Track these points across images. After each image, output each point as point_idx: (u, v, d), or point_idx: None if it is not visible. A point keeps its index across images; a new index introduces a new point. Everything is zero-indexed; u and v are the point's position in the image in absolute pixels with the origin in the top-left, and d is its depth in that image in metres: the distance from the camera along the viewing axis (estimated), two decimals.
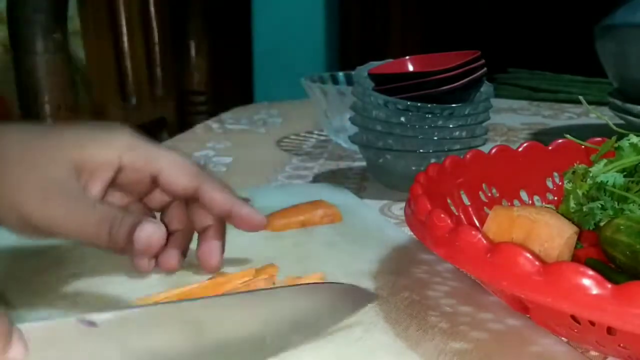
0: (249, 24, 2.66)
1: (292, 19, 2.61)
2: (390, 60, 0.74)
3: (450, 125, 0.67)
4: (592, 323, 0.33)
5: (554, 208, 0.52)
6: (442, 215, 0.38)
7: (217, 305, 0.36)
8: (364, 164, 0.78)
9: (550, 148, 0.57)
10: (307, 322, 0.38)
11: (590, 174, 0.49)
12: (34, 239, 0.42)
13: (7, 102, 1.29)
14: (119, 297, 0.44)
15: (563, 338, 0.39)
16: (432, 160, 0.65)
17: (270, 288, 0.42)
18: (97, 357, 0.32)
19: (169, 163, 0.44)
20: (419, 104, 0.65)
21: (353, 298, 0.40)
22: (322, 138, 1.00)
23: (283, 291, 0.38)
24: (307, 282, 0.44)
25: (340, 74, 0.97)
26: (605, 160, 0.49)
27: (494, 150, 0.55)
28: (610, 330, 0.33)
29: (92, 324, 0.31)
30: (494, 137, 0.98)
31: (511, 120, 1.10)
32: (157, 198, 0.47)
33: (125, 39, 1.20)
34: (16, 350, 0.29)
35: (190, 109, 1.39)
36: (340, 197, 0.66)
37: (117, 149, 0.44)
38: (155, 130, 1.30)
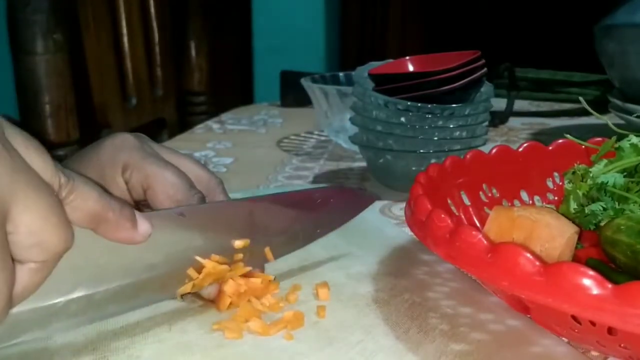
0: (249, 24, 2.66)
1: (292, 19, 2.61)
2: (391, 60, 0.74)
3: (451, 126, 0.67)
4: (593, 323, 0.33)
5: (555, 208, 0.52)
6: (443, 216, 0.38)
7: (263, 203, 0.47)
8: (364, 164, 0.78)
9: (550, 148, 0.57)
10: (326, 218, 0.50)
11: (591, 175, 0.49)
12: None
13: None
14: None
15: (564, 338, 0.39)
16: (433, 161, 0.65)
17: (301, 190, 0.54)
18: (185, 239, 0.41)
19: (159, 186, 0.45)
20: (419, 104, 0.65)
21: (359, 199, 0.54)
22: (323, 138, 1.00)
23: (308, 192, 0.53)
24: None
25: (341, 74, 0.97)
26: (605, 161, 0.49)
27: (494, 150, 0.55)
28: (611, 331, 0.33)
29: (182, 214, 0.41)
30: (494, 137, 0.98)
31: (511, 120, 1.10)
32: None
33: (125, 39, 1.20)
34: (144, 226, 0.38)
35: (190, 109, 1.39)
36: None
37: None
38: (155, 130, 1.30)
